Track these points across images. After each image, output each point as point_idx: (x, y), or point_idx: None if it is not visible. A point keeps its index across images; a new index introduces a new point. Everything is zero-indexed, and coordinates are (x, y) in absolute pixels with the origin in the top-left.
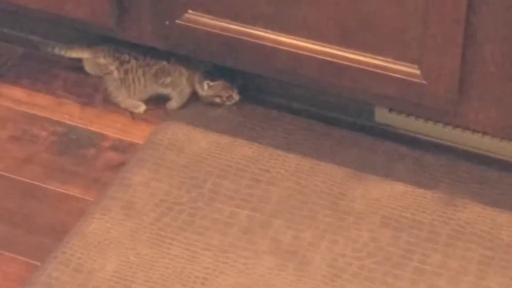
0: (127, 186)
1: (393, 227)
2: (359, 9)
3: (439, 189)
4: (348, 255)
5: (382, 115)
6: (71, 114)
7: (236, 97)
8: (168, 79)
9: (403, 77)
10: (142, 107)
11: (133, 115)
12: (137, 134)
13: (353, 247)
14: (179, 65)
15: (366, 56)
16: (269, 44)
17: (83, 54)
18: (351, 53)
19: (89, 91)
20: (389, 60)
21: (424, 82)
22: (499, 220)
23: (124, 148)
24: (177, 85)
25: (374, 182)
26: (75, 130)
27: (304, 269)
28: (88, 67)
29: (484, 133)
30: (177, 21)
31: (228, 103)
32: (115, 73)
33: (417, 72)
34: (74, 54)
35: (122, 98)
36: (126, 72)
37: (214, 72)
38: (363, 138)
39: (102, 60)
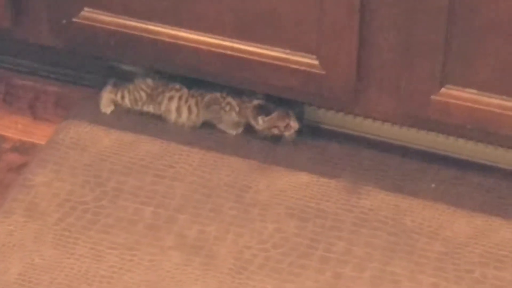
0: (29, 187)
1: (298, 217)
2: (257, 2)
3: (343, 178)
4: (254, 247)
5: None
6: None
7: (294, 125)
8: (217, 116)
9: (303, 68)
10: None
11: None
12: (39, 134)
13: (259, 238)
14: (231, 98)
15: (265, 49)
16: (167, 39)
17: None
18: (250, 46)
19: None
20: (288, 51)
21: (323, 72)
22: (402, 206)
23: (25, 149)
24: (222, 122)
25: (278, 173)
26: None
27: (210, 263)
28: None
29: (384, 120)
30: (74, 19)
31: (287, 132)
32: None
33: (316, 62)
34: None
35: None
36: (171, 98)
37: (268, 102)
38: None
39: (150, 83)
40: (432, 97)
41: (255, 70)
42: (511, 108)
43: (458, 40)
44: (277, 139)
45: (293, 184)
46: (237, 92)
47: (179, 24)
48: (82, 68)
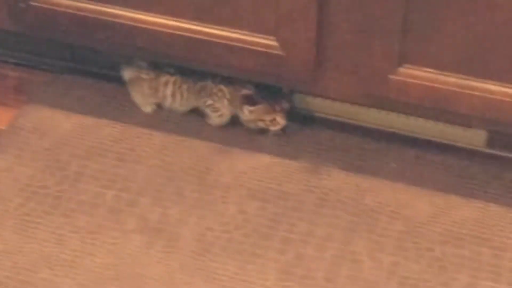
0: None
1: (260, 199)
2: None
3: (304, 159)
4: (216, 229)
5: None
6: None
7: (281, 121)
8: (208, 102)
9: (261, 50)
10: (149, 108)
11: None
12: None
13: (221, 220)
14: (223, 85)
15: (223, 30)
16: (127, 22)
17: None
18: (209, 27)
19: None
20: (246, 33)
21: (282, 53)
22: (363, 186)
23: None
24: (217, 110)
25: (240, 155)
26: None
27: (172, 245)
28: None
29: (344, 101)
30: (32, 3)
31: (272, 127)
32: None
33: (275, 43)
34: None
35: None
36: (165, 83)
37: (257, 94)
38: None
39: (144, 75)
40: (390, 76)
41: (215, 52)
42: (468, 87)
43: (415, 20)
44: (262, 132)
45: (254, 166)
46: (230, 81)
47: (138, 6)
48: (42, 53)
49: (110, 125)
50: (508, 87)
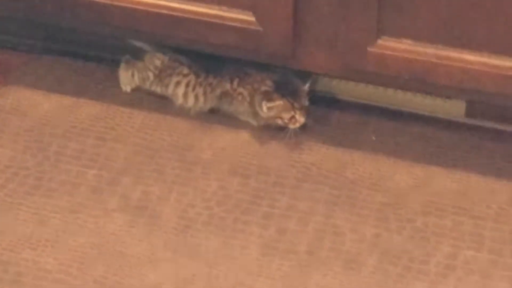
0: None
1: (241, 175)
2: None
3: (284, 134)
4: (197, 206)
5: None
6: None
7: (300, 119)
8: (231, 108)
9: (239, 25)
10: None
11: None
12: None
13: (202, 197)
14: (242, 88)
15: (201, 7)
16: (103, 1)
17: (146, 46)
18: (186, 4)
19: None
20: (224, 8)
21: (260, 28)
22: (343, 159)
23: None
24: (239, 113)
25: (220, 131)
26: None
27: (154, 223)
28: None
29: (323, 74)
30: None
31: (291, 125)
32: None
33: (252, 19)
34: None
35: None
36: (177, 83)
37: (276, 91)
38: None
39: (160, 57)
40: (369, 49)
41: (192, 29)
42: (446, 57)
43: None
44: (280, 130)
45: (235, 142)
46: (249, 82)
47: None
48: (20, 34)
49: (90, 105)
50: (486, 57)
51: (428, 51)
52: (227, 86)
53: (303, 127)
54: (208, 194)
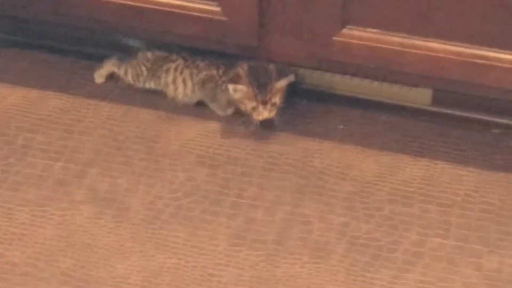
0: None
1: (209, 165)
2: None
3: (251, 124)
4: (165, 197)
5: None
6: None
7: (264, 113)
8: (212, 93)
9: (205, 15)
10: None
11: None
12: None
13: (170, 188)
14: (226, 77)
15: None
16: None
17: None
18: None
19: None
20: None
21: (225, 18)
22: (311, 148)
23: None
24: (218, 101)
25: (187, 122)
26: None
27: (122, 215)
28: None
29: (289, 64)
30: None
31: (255, 116)
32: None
33: (218, 9)
34: (131, 42)
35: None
36: (167, 71)
37: (248, 77)
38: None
39: (149, 55)
40: (334, 38)
41: (157, 20)
42: (412, 46)
43: None
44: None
45: (202, 133)
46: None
47: None
48: None
49: (57, 97)
50: (450, 45)
51: (394, 40)
52: (213, 71)
53: (270, 123)
54: (175, 185)
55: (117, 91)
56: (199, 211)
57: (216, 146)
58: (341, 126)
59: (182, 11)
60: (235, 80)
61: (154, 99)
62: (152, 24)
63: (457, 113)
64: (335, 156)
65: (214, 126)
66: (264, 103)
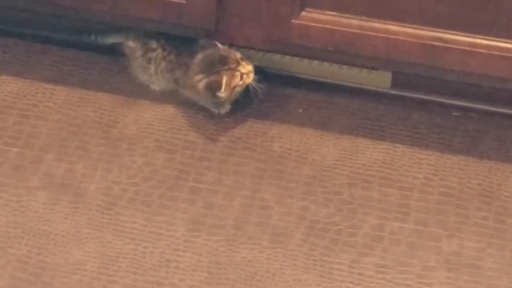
0: None
1: (167, 150)
2: None
3: (210, 108)
4: (123, 182)
5: None
6: None
7: (248, 67)
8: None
9: None
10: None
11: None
12: None
13: (128, 173)
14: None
15: None
16: None
17: (117, 38)
18: None
19: None
20: None
21: (183, 1)
22: (270, 133)
23: None
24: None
25: (145, 106)
26: None
27: (79, 201)
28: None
29: (248, 47)
30: None
31: (249, 81)
32: (140, 60)
33: None
34: (111, 39)
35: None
36: (149, 60)
37: (208, 70)
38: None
39: (131, 43)
40: (293, 21)
41: (112, 3)
42: (371, 28)
43: None
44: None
45: (160, 117)
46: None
47: None
48: None
49: (11, 82)
50: (409, 27)
51: (352, 22)
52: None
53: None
54: (133, 170)
55: (74, 75)
56: (157, 196)
57: (175, 130)
58: (300, 110)
59: None
60: (216, 86)
61: (111, 82)
62: (108, 6)
63: (417, 96)
64: (294, 140)
65: (172, 110)
66: (239, 63)
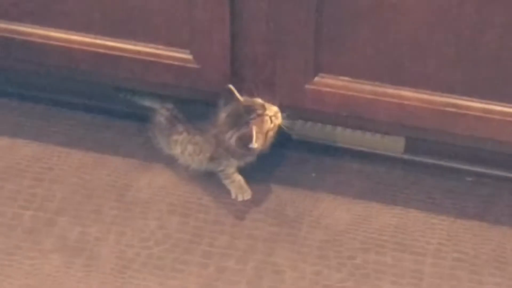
0: None
1: (180, 213)
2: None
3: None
4: (136, 246)
5: None
6: None
7: (273, 108)
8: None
9: (177, 63)
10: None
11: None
12: None
13: (141, 237)
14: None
15: (137, 45)
16: (39, 40)
17: (153, 103)
18: (122, 43)
19: None
20: (160, 47)
21: (197, 66)
22: (283, 197)
23: None
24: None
25: (159, 170)
26: None
27: (92, 264)
28: None
29: None
30: None
31: (278, 122)
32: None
33: (189, 57)
34: (147, 102)
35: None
36: (175, 142)
37: (231, 124)
38: (145, 128)
39: (165, 112)
40: (306, 86)
41: (129, 67)
42: (384, 94)
43: (328, 29)
44: None
45: (173, 181)
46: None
47: (49, 24)
48: None
49: (27, 145)
50: (422, 93)
51: (366, 88)
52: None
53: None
54: (146, 234)
55: (88, 139)
56: (170, 260)
57: (188, 194)
58: (314, 174)
59: (154, 59)
60: (247, 137)
61: (126, 146)
62: (125, 72)
63: (430, 161)
64: (307, 204)
65: (185, 174)
66: (263, 108)
